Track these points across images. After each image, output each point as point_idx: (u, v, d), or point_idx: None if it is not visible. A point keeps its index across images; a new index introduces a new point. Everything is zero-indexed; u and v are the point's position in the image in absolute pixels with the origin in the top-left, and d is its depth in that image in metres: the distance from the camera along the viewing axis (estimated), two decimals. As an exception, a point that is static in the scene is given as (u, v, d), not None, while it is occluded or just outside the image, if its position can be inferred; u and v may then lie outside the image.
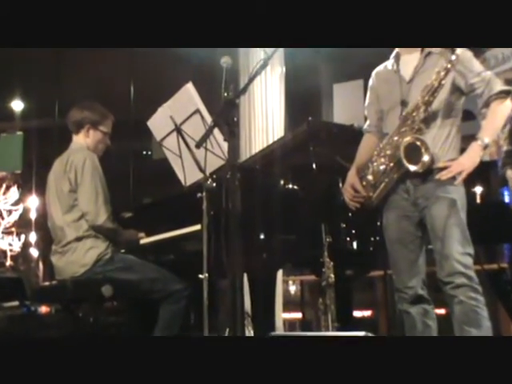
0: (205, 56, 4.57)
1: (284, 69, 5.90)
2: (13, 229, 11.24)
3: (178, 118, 3.20)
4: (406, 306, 2.71)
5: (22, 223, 11.23)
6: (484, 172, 3.44)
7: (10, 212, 11.20)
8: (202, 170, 3.09)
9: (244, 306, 2.50)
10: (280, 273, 4.90)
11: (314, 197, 3.32)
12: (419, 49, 2.69)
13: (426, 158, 2.57)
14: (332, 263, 3.06)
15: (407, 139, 2.60)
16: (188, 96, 3.10)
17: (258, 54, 4.56)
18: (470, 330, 2.48)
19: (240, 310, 2.21)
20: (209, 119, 3.00)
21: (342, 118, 6.51)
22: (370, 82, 2.92)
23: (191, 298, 3.36)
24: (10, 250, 11.23)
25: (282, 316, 5.69)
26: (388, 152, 2.68)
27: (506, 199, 3.60)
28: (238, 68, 5.60)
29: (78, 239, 3.35)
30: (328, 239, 3.08)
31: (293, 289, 8.55)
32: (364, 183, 2.78)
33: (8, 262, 11.07)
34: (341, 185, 3.08)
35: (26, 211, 11.15)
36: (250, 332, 3.48)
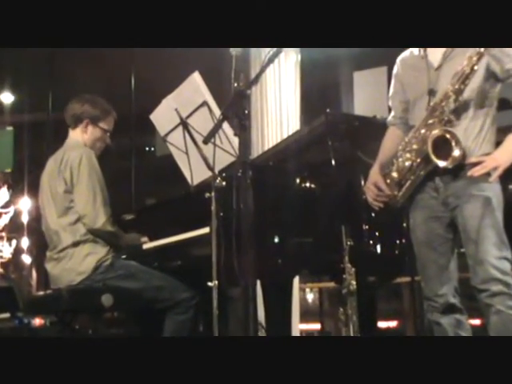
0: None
1: (299, 56, 5.90)
2: (3, 233, 11.31)
3: (183, 111, 3.21)
4: (436, 316, 2.71)
5: (12, 227, 11.29)
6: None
7: (-1, 215, 11.27)
8: (211, 168, 3.11)
9: (257, 317, 2.51)
10: (296, 280, 4.91)
11: (333, 196, 3.32)
12: (448, 32, 2.69)
13: (456, 152, 2.56)
14: (353, 269, 3.06)
15: (435, 132, 2.60)
16: (194, 87, 3.12)
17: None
18: (508, 342, 2.48)
19: (253, 321, 2.22)
20: (217, 112, 3.01)
21: (363, 110, 6.50)
22: (395, 69, 2.91)
23: (199, 308, 3.38)
24: (0, 257, 11.30)
25: (298, 327, 5.70)
26: (414, 146, 2.68)
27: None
28: (249, 56, 5.61)
29: (75, 244, 3.38)
30: (349, 242, 3.08)
31: (310, 297, 8.57)
32: (388, 181, 2.78)
33: (-2, 270, 11.14)
34: (363, 183, 3.09)
35: (17, 214, 11.21)
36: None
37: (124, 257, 3.61)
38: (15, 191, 10.96)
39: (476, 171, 2.55)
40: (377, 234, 3.26)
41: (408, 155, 2.70)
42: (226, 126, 2.85)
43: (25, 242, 11.50)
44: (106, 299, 3.26)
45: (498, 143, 2.64)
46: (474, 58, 2.54)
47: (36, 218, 8.62)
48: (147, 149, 10.27)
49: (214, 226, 2.93)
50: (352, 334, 3.07)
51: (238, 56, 2.56)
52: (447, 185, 2.65)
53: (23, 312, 5.60)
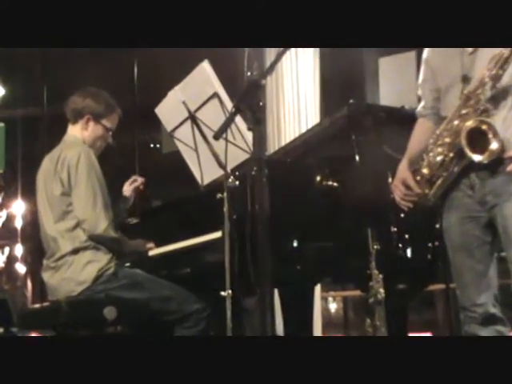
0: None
1: (319, 41, 5.90)
2: (-5, 240, 11.38)
3: (192, 104, 3.23)
4: (474, 327, 2.70)
5: (5, 233, 11.33)
6: None
7: (-10, 220, 11.34)
8: (222, 166, 3.12)
9: (275, 329, 2.52)
10: (318, 288, 4.91)
11: (358, 195, 3.32)
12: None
13: (494, 145, 2.56)
14: (381, 275, 3.07)
15: (470, 123, 2.59)
16: (204, 77, 3.13)
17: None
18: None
19: (270, 333, 2.23)
20: (229, 104, 3.02)
21: (389, 100, 6.49)
22: (424, 54, 2.91)
23: (211, 320, 3.39)
24: (-8, 266, 11.37)
25: (321, 340, 5.70)
26: (447, 139, 2.68)
27: None
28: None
29: (75, 252, 3.38)
30: (376, 246, 3.09)
31: (333, 307, 8.55)
32: (418, 178, 2.78)
33: (-11, 281, 11.21)
34: (390, 180, 3.09)
35: (10, 219, 11.26)
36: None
37: (128, 265, 3.63)
38: (7, 194, 11.02)
39: (516, 166, 2.55)
40: (406, 236, 3.26)
41: (440, 149, 2.70)
42: (238, 119, 2.86)
43: (19, 250, 11.54)
44: (109, 312, 3.27)
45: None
46: (514, 40, 2.54)
47: (31, 222, 8.66)
48: (152, 145, 10.29)
49: (227, 230, 2.94)
50: (380, 348, 3.07)
51: (252, 42, 2.58)
52: (484, 181, 2.65)
53: (18, 327, 5.63)
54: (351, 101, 3.51)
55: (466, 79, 2.66)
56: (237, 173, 3.16)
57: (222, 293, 2.95)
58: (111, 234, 3.38)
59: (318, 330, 5.41)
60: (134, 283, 3.38)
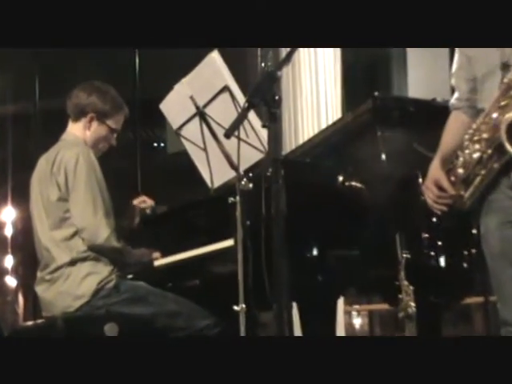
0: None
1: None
2: (-18, 251, 11.44)
3: (200, 99, 3.24)
4: (516, 343, 2.69)
5: (-7, 243, 11.40)
6: None
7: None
8: (234, 167, 3.12)
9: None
10: (341, 301, 4.91)
11: (385, 198, 3.32)
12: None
13: (537, 140, 2.55)
14: (411, 287, 3.06)
15: (510, 115, 2.59)
16: (213, 69, 3.14)
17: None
18: None
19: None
20: (242, 99, 3.03)
21: (419, 91, 6.49)
22: (458, 40, 2.91)
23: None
24: (-21, 280, 11.42)
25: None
26: (484, 135, 2.67)
27: None
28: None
29: (72, 263, 3.39)
30: (405, 254, 3.08)
31: (358, 322, 8.55)
32: (452, 178, 2.78)
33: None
34: (420, 181, 3.08)
35: (-2, 227, 11.33)
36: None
37: (130, 277, 3.63)
38: (-4, 199, 11.08)
39: None
40: (439, 243, 3.25)
41: (477, 146, 2.69)
42: (252, 115, 2.86)
43: (9, 261, 11.61)
44: (110, 329, 3.28)
45: None
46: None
47: (22, 230, 8.69)
48: (156, 145, 10.32)
49: (240, 237, 2.95)
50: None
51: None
52: (527, 181, 2.64)
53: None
54: (376, 93, 3.51)
55: (505, 67, 2.64)
56: (250, 174, 3.16)
57: (235, 307, 2.95)
58: (113, 243, 3.37)
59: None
60: (138, 297, 3.39)
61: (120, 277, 3.43)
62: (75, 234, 3.39)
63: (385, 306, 4.49)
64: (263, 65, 2.43)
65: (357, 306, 6.81)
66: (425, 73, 6.68)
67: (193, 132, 3.35)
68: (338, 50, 5.89)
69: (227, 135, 2.51)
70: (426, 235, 3.26)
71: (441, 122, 2.98)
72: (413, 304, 3.05)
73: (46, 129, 6.54)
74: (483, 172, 2.69)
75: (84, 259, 3.38)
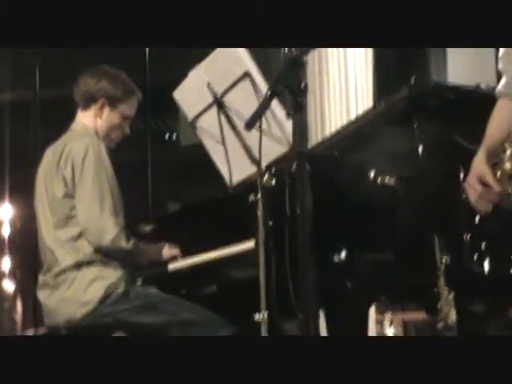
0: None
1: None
2: (-23, 253, 11.49)
3: (218, 86, 3.25)
4: None
5: (-11, 244, 11.45)
6: None
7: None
8: (256, 162, 3.13)
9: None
10: (372, 309, 4.91)
11: (421, 196, 3.32)
12: None
13: None
14: (452, 294, 3.06)
15: None
16: (233, 53, 3.15)
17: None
18: None
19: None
20: (264, 87, 3.04)
21: (461, 77, 6.46)
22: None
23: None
24: (-26, 285, 11.49)
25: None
26: (535, 125, 2.67)
27: None
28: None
29: (77, 266, 3.41)
30: (444, 258, 3.09)
31: (391, 332, 8.52)
32: (499, 174, 2.77)
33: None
34: (462, 177, 3.09)
35: (-5, 226, 11.37)
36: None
37: (139, 282, 3.64)
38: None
39: None
40: (483, 246, 3.25)
41: (527, 138, 2.69)
42: (275, 104, 2.88)
43: (6, 263, 11.66)
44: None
45: None
46: None
47: (21, 230, 8.72)
48: (168, 137, 10.32)
49: (262, 239, 2.96)
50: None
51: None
52: None
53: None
54: (413, 79, 3.51)
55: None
56: (273, 170, 3.17)
57: (256, 316, 2.97)
58: (121, 244, 3.38)
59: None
60: (149, 305, 3.41)
61: (130, 282, 3.44)
62: (81, 233, 3.41)
63: (421, 315, 4.48)
64: (287, 50, 2.44)
65: (390, 315, 6.79)
66: (467, 56, 6.65)
67: (209, 123, 3.35)
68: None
69: (248, 126, 2.52)
70: (468, 237, 3.26)
71: (485, 111, 2.97)
72: (454, 313, 3.06)
73: (47, 120, 6.56)
74: (533, 167, 2.69)
75: (90, 262, 3.39)
